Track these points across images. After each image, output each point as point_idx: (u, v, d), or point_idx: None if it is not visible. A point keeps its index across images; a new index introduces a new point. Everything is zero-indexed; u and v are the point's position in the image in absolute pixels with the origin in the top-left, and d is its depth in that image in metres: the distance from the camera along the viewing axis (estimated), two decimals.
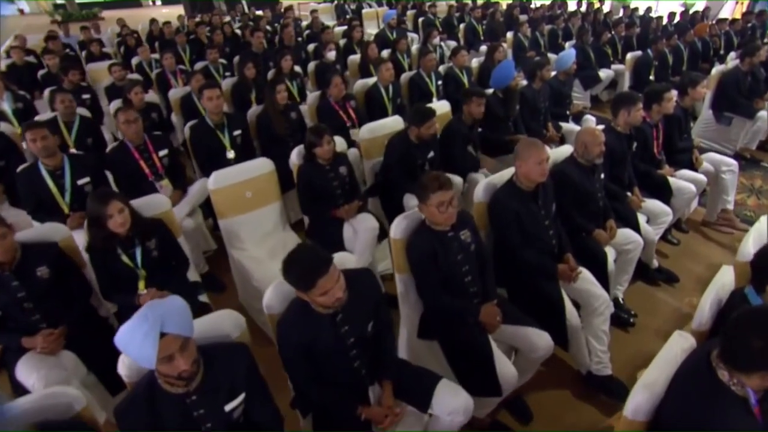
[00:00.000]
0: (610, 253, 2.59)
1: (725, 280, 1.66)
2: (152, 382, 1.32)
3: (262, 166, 2.67)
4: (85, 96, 4.41)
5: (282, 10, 8.71)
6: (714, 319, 1.61)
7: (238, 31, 7.28)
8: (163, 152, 3.00)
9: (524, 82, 4.00)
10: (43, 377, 1.76)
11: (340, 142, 2.89)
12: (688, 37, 5.88)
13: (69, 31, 7.87)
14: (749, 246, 1.85)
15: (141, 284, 2.15)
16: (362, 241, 2.54)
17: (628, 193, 2.92)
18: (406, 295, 2.09)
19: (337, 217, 2.65)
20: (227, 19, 9.10)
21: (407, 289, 2.07)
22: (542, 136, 3.85)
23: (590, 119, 4.12)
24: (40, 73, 5.38)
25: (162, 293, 2.12)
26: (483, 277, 2.00)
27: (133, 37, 6.74)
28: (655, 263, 3.00)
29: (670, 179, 3.08)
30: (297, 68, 4.75)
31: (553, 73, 4.17)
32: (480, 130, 3.46)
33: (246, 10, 11.58)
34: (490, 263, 2.07)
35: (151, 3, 23.33)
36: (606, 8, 11.03)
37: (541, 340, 1.93)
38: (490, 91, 3.73)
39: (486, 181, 2.32)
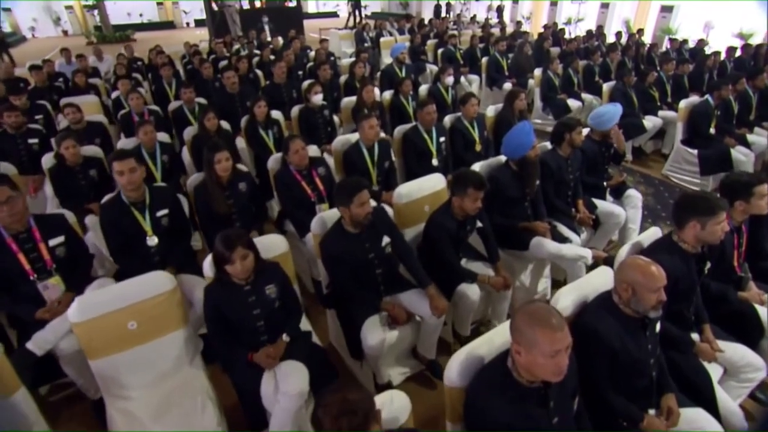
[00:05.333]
0: None
1: None
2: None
3: (157, 283, 1.89)
4: (32, 141, 3.83)
5: (290, 38, 8.12)
6: None
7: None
8: (55, 241, 2.27)
9: (547, 144, 3.10)
10: None
11: (270, 244, 2.08)
12: (759, 81, 4.82)
13: (71, 57, 7.53)
14: None
15: None
16: (282, 410, 1.70)
17: (695, 336, 1.96)
18: None
19: (254, 363, 1.83)
20: (236, 46, 8.61)
21: None
22: (571, 217, 2.95)
23: (636, 197, 3.15)
24: None
25: None
26: None
27: (123, 67, 6.27)
28: None
29: (760, 309, 2.10)
30: (276, 114, 4.03)
31: (586, 131, 3.25)
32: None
33: (269, 36, 11.14)
34: None
35: (185, 25, 23.83)
36: (647, 38, 9.95)
37: None
38: (502, 159, 2.86)
39: (465, 353, 1.44)
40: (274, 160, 3.00)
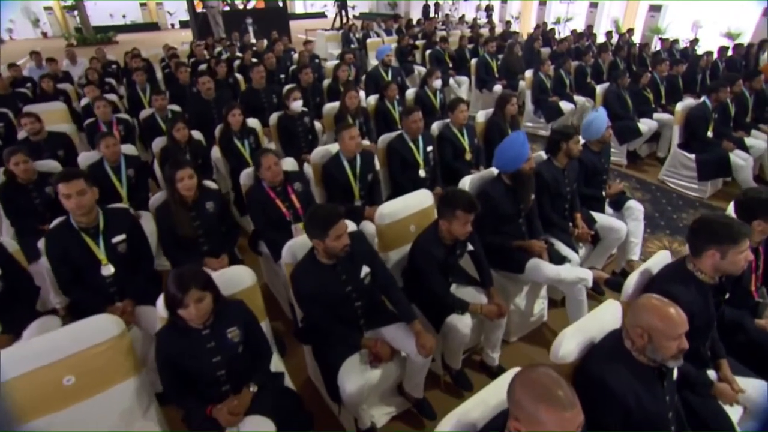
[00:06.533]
0: None
1: None
2: None
3: (100, 329, 1.63)
4: None
5: (273, 39, 7.82)
6: None
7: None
8: None
9: (543, 154, 2.90)
10: None
11: (234, 277, 1.84)
12: (756, 82, 4.67)
13: (41, 61, 7.17)
14: None
15: None
16: None
17: (712, 375, 1.76)
18: None
19: (213, 418, 1.58)
20: (218, 48, 8.30)
21: None
22: (568, 233, 2.74)
23: (637, 209, 2.94)
24: None
25: None
26: None
27: (96, 71, 5.94)
28: None
29: None
30: (253, 122, 3.78)
31: (582, 141, 3.05)
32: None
33: (253, 38, 10.80)
34: None
35: (170, 27, 23.31)
36: (636, 38, 9.81)
37: None
38: (494, 171, 2.64)
39: (456, 419, 1.21)
40: (246, 175, 2.75)
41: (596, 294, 2.86)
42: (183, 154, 3.34)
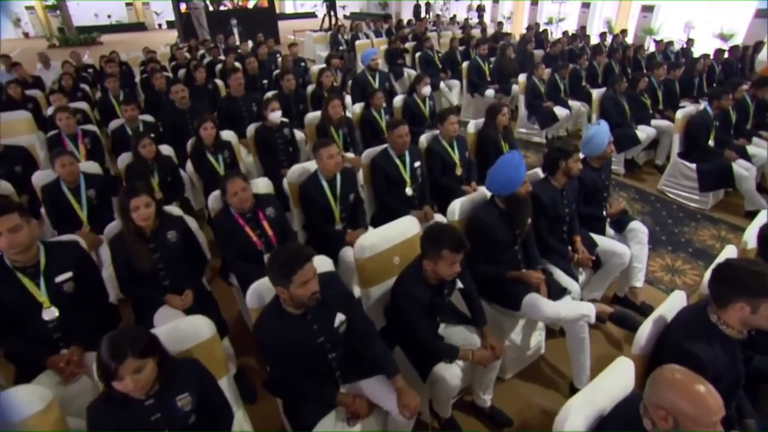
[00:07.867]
0: None
1: None
2: None
3: (17, 405, 1.36)
4: None
5: (258, 42, 7.53)
6: None
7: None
8: None
9: (539, 172, 2.67)
10: None
11: (189, 330, 1.59)
12: (762, 92, 4.47)
13: (12, 65, 6.81)
14: None
15: None
16: None
17: None
18: None
19: None
20: (201, 51, 7.99)
21: None
22: (567, 258, 2.52)
23: (640, 231, 2.72)
24: None
25: None
26: None
27: (70, 77, 5.63)
28: None
29: None
30: (228, 134, 3.51)
31: (582, 156, 2.83)
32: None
33: (238, 40, 10.47)
34: None
35: (157, 27, 22.82)
36: (629, 39, 9.64)
37: None
38: (487, 194, 2.40)
39: None
40: (214, 199, 2.49)
41: (598, 322, 2.64)
42: (150, 172, 3.08)
